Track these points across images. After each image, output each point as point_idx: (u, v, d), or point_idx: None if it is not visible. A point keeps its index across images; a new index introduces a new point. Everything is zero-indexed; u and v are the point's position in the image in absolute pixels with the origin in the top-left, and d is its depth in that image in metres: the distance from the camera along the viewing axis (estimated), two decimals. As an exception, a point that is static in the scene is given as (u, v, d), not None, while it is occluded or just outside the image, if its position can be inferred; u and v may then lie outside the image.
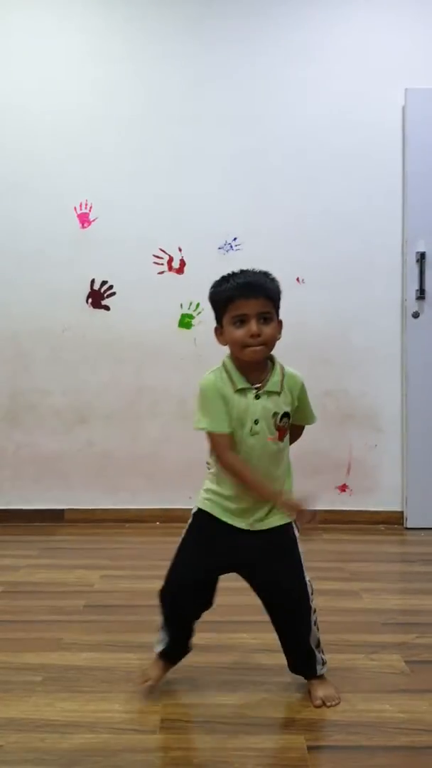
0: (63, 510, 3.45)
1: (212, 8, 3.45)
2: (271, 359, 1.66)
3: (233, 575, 1.67)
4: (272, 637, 1.71)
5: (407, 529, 3.37)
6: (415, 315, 3.38)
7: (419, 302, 3.38)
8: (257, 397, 1.61)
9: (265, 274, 1.64)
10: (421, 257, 3.35)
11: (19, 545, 3.08)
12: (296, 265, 3.41)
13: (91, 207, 3.47)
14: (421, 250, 3.36)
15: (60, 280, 3.46)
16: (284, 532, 1.66)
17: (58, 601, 2.35)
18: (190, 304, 3.42)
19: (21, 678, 1.79)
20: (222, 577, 1.69)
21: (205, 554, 1.66)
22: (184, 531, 1.71)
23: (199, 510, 1.69)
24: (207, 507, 1.67)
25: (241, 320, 1.58)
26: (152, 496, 3.43)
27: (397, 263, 3.43)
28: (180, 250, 3.46)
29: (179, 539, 1.71)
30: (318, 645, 1.69)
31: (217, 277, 1.65)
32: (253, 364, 1.62)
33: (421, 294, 3.36)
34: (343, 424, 3.44)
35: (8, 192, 3.47)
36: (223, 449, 1.61)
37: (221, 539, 1.65)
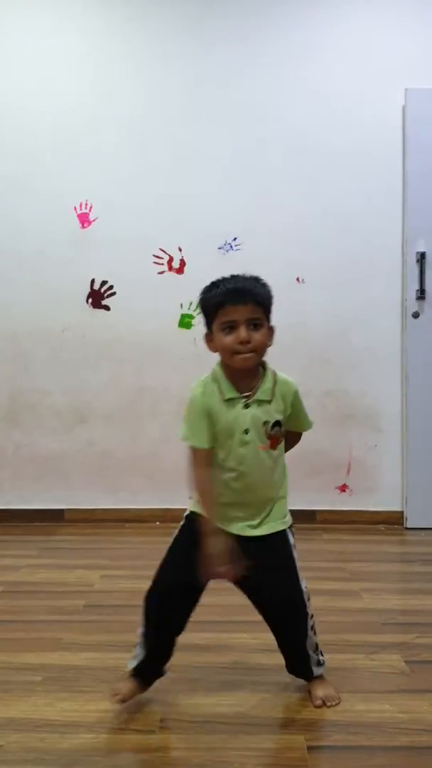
0: (63, 510, 3.45)
1: (212, 8, 3.45)
2: (263, 366, 1.62)
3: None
4: (272, 637, 1.71)
5: (407, 529, 3.37)
6: (415, 315, 3.38)
7: (419, 302, 3.37)
8: (246, 406, 1.58)
9: (256, 280, 1.59)
10: (421, 257, 3.35)
11: (19, 545, 3.08)
12: (296, 265, 3.41)
13: (91, 207, 3.47)
14: (421, 250, 3.36)
15: (60, 280, 3.46)
16: (279, 539, 1.64)
17: (58, 601, 2.36)
18: (190, 304, 3.42)
19: (21, 678, 1.79)
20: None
21: (196, 556, 1.60)
22: (175, 532, 1.68)
23: (192, 512, 1.65)
24: (200, 510, 1.62)
25: (231, 327, 1.54)
26: (152, 496, 3.42)
27: (397, 263, 3.43)
28: (180, 250, 3.46)
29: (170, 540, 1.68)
30: (316, 649, 1.69)
31: (215, 279, 1.61)
32: (244, 371, 1.57)
33: (421, 294, 3.36)
34: (343, 424, 3.44)
35: (8, 192, 3.47)
36: (198, 463, 1.60)
37: None
